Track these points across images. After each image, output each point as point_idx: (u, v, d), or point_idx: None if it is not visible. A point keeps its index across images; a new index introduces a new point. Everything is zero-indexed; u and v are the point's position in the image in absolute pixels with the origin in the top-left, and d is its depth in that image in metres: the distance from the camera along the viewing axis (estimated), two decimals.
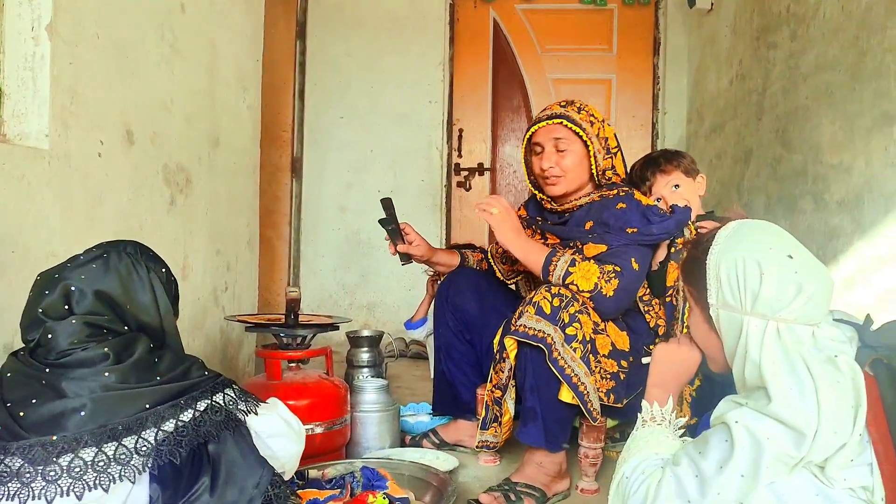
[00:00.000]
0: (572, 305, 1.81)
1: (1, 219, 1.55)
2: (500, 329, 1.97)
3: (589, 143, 2.02)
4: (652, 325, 2.03)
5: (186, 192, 2.40)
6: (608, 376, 1.87)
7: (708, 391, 1.64)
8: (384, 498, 1.59)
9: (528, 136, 2.10)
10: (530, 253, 1.94)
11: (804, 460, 1.06)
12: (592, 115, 2.05)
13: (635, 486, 1.18)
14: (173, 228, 2.32)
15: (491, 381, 1.98)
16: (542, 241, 2.14)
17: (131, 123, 2.04)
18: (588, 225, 2.03)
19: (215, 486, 1.14)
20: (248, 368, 2.97)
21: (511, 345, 1.87)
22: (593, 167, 2.05)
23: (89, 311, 1.18)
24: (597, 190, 2.09)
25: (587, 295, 1.85)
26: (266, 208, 3.80)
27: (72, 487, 1.06)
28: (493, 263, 2.35)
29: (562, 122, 2.02)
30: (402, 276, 4.15)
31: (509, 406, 1.98)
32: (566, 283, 1.86)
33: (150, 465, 1.12)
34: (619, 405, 1.87)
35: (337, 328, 2.19)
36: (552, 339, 1.78)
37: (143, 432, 1.12)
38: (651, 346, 1.97)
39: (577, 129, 2.01)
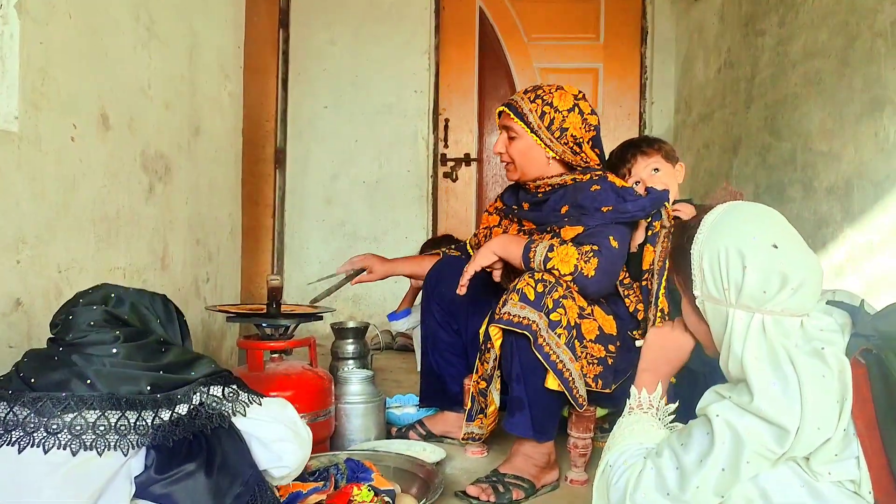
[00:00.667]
0: (556, 291, 1.79)
1: None
2: (486, 320, 1.93)
3: (533, 134, 2.01)
4: (631, 309, 2.00)
5: (166, 180, 2.34)
6: (595, 361, 1.84)
7: (687, 379, 1.62)
8: (369, 490, 1.55)
9: None
10: (508, 245, 1.92)
11: (786, 455, 1.04)
12: (550, 105, 2.01)
13: (617, 476, 1.17)
14: (152, 216, 2.26)
15: (476, 373, 1.95)
16: (519, 228, 2.13)
17: (106, 107, 1.98)
18: (564, 209, 2.01)
19: (211, 468, 1.18)
20: (230, 360, 2.92)
21: (496, 334, 1.84)
22: (550, 154, 2.03)
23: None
24: (570, 172, 2.06)
25: (569, 278, 1.83)
26: (250, 199, 3.75)
27: (69, 443, 1.11)
28: (473, 254, 2.32)
29: (507, 112, 2.06)
30: None
31: (494, 397, 1.96)
32: (548, 268, 1.83)
33: (145, 443, 1.16)
34: (607, 391, 1.85)
35: (320, 318, 2.15)
36: (537, 325, 1.75)
37: (143, 412, 1.16)
38: (636, 332, 1.95)
39: (519, 122, 2.03)
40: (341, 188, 4.44)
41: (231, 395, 1.27)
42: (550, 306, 1.77)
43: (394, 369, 3.38)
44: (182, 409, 1.20)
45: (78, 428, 1.12)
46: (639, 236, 2.03)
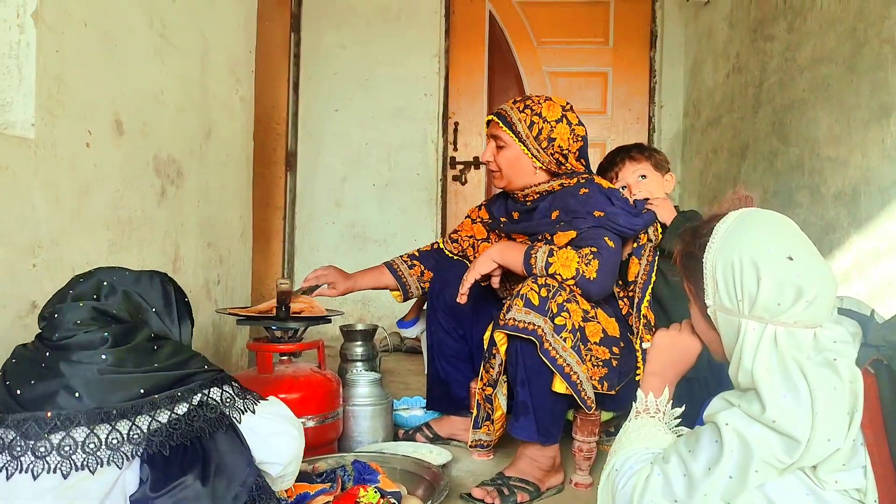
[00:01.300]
0: (560, 295, 1.80)
1: None
2: (490, 326, 1.95)
3: (521, 144, 2.05)
4: (624, 312, 2.03)
5: (178, 184, 2.38)
6: (600, 364, 1.85)
7: (685, 388, 1.62)
8: (375, 492, 1.57)
9: None
10: (507, 252, 1.94)
11: (794, 465, 1.04)
12: (539, 115, 2.04)
13: (623, 481, 1.16)
14: (164, 220, 2.29)
15: (481, 379, 1.97)
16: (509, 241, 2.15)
17: (120, 113, 2.01)
18: (554, 215, 2.04)
19: (206, 476, 1.14)
20: (241, 362, 2.95)
21: (501, 339, 1.85)
22: (537, 164, 2.06)
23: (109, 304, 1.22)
24: (555, 178, 2.09)
25: (571, 282, 1.84)
26: (260, 202, 3.77)
27: (59, 466, 1.07)
28: (446, 250, 2.40)
29: (496, 121, 2.09)
30: None
31: (501, 402, 1.97)
32: (550, 273, 1.85)
33: (139, 453, 1.12)
34: (612, 392, 1.86)
35: (329, 321, 2.17)
36: (542, 330, 1.76)
37: (137, 419, 1.13)
38: (647, 336, 1.96)
39: (507, 131, 2.06)
40: (351, 191, 4.46)
41: (229, 400, 1.24)
42: (555, 310, 1.78)
43: (402, 371, 3.40)
44: (181, 408, 1.17)
45: (67, 449, 1.08)
46: (626, 249, 2.06)
